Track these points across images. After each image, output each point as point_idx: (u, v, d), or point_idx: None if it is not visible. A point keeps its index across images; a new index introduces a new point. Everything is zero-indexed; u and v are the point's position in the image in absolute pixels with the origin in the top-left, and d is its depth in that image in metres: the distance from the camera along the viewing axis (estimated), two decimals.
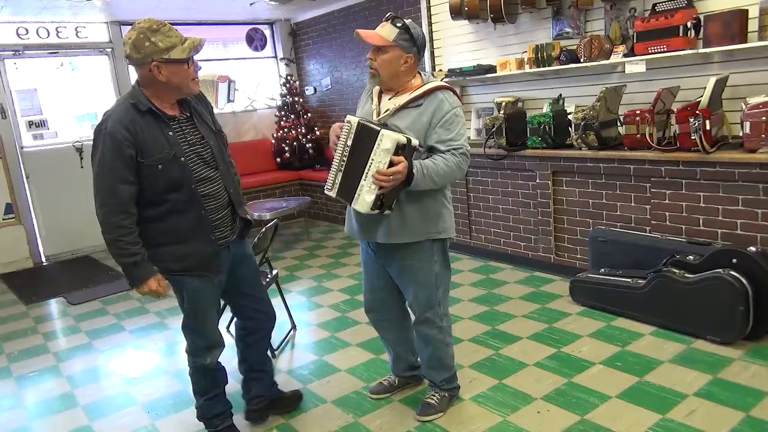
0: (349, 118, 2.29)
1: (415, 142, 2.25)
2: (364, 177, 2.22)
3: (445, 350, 2.64)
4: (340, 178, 2.31)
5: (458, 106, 2.36)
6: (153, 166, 2.14)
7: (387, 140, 2.17)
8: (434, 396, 2.69)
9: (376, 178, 2.18)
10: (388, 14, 2.35)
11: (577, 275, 3.80)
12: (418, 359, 2.82)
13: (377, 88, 2.46)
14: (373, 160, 2.19)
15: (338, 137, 2.33)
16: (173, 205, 2.21)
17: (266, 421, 2.74)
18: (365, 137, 2.22)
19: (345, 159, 2.28)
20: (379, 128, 2.20)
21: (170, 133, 2.19)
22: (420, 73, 2.42)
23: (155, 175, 2.15)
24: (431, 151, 2.34)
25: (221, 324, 2.60)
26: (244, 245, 2.55)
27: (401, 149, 2.19)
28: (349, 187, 2.28)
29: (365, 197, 2.23)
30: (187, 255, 2.27)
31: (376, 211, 2.26)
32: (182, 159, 2.19)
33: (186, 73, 2.16)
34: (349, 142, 2.26)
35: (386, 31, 2.28)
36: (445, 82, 4.99)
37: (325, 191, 2.37)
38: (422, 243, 2.44)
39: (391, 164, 2.18)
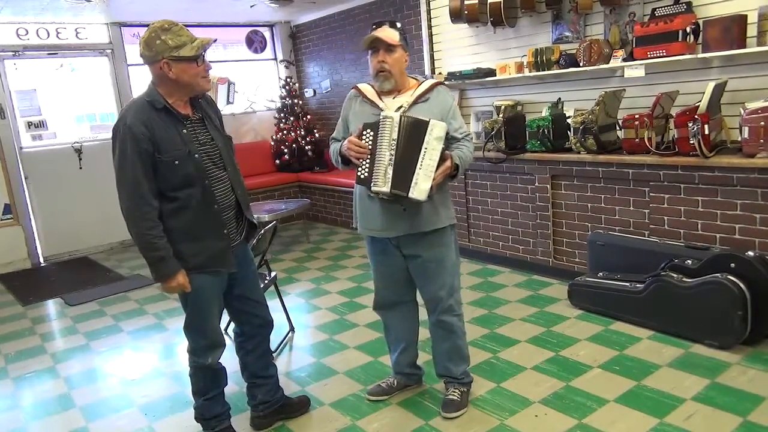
0: (387, 113, 2.36)
1: None
2: (419, 165, 2.30)
3: (464, 339, 2.72)
4: (391, 172, 2.34)
5: (454, 98, 2.60)
6: (169, 161, 2.20)
7: (438, 128, 2.31)
8: (455, 392, 2.71)
9: (435, 178, 2.31)
10: (380, 21, 2.50)
11: (576, 279, 3.80)
12: (417, 361, 2.85)
13: (370, 90, 2.52)
14: (426, 149, 2.31)
15: (361, 144, 2.37)
16: (187, 201, 2.25)
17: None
18: (414, 129, 2.32)
19: (393, 152, 2.33)
20: (426, 119, 2.32)
21: (184, 131, 2.26)
22: (412, 76, 2.58)
23: (171, 171, 2.21)
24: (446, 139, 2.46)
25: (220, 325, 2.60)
26: (246, 249, 2.56)
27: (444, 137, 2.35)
28: (403, 179, 2.33)
29: (422, 185, 2.31)
30: (200, 252, 2.31)
31: (427, 199, 2.34)
32: (196, 156, 2.26)
33: (195, 71, 2.23)
34: (395, 136, 2.33)
35: (392, 33, 2.44)
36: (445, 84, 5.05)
37: (373, 188, 2.36)
38: (446, 228, 2.56)
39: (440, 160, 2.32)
